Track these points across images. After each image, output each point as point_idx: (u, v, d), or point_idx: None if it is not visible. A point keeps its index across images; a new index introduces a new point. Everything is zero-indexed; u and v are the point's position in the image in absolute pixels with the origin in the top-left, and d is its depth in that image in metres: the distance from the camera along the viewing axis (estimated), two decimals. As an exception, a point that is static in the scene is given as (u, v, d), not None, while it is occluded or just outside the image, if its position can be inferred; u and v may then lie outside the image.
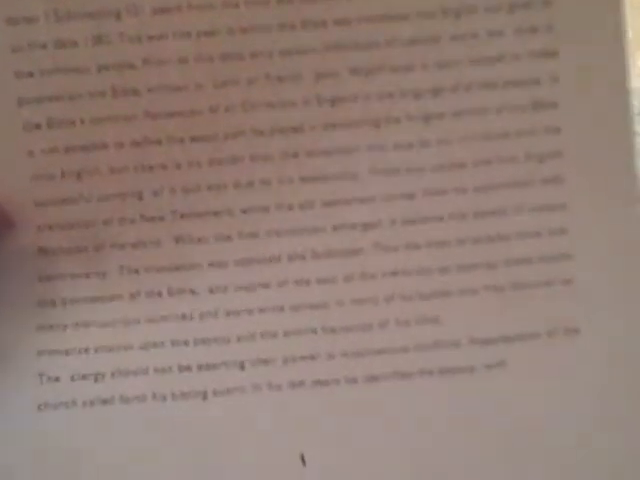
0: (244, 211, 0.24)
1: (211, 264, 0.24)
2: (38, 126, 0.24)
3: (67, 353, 0.24)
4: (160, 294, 0.24)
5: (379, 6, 0.24)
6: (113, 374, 0.24)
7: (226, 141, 0.24)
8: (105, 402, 0.24)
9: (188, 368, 0.24)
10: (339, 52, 0.24)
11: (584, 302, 0.24)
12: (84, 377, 0.23)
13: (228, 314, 0.24)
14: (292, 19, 0.24)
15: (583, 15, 0.24)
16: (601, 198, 0.24)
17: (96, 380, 0.23)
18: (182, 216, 0.24)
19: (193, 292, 0.24)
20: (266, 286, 0.24)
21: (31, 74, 0.23)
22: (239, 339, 0.24)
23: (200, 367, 0.24)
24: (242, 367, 0.24)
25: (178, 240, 0.24)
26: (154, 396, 0.24)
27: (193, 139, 0.24)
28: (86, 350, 0.24)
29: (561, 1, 0.24)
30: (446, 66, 0.24)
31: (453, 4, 0.24)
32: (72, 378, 0.24)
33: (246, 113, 0.24)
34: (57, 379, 0.24)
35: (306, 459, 0.23)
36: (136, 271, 0.24)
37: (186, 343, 0.24)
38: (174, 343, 0.24)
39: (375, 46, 0.24)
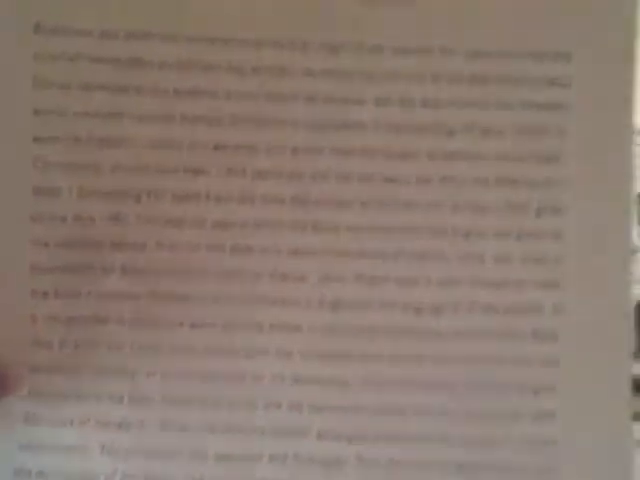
0: (231, 404, 0.24)
1: (191, 454, 0.24)
2: (45, 294, 0.25)
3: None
4: (135, 478, 0.24)
5: (389, 219, 0.25)
6: None
7: (225, 332, 0.24)
8: None
9: None
10: (346, 258, 0.25)
11: None
12: None
13: None
14: (305, 220, 0.25)
15: (589, 247, 0.25)
16: (590, 437, 0.24)
17: None
18: (171, 401, 0.24)
19: None
20: None
21: (47, 244, 0.25)
22: None
23: None
24: None
25: (162, 425, 0.24)
26: None
27: (192, 326, 0.24)
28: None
29: (570, 234, 0.25)
30: (450, 284, 0.25)
31: (464, 225, 0.25)
32: None
33: (247, 306, 0.25)
34: None
35: None
36: (116, 452, 0.24)
37: None
38: None
39: (382, 256, 0.25)
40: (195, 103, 0.24)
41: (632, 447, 0.24)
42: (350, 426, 0.24)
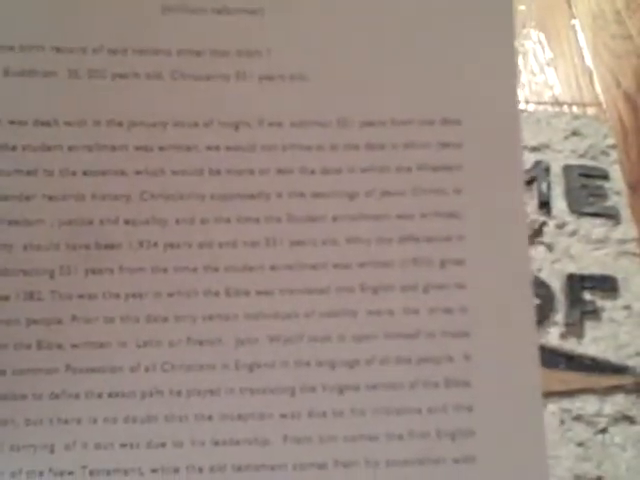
0: (153, 471, 0.26)
1: None
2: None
3: None
4: None
5: (299, 281, 0.27)
6: None
7: (143, 399, 0.26)
8: None
9: None
10: (259, 320, 0.27)
11: None
12: None
13: None
14: (217, 287, 0.27)
15: (497, 299, 0.27)
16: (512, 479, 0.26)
17: None
18: (91, 473, 0.26)
19: None
20: None
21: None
22: None
23: None
24: None
25: None
26: None
27: (110, 395, 0.26)
28: None
29: (475, 285, 0.27)
30: (362, 339, 0.27)
31: (371, 282, 0.27)
32: None
33: (165, 373, 0.26)
34: None
35: None
36: None
37: None
38: None
39: (294, 317, 0.27)
40: (104, 182, 0.26)
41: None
42: (272, 485, 0.26)
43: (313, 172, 0.27)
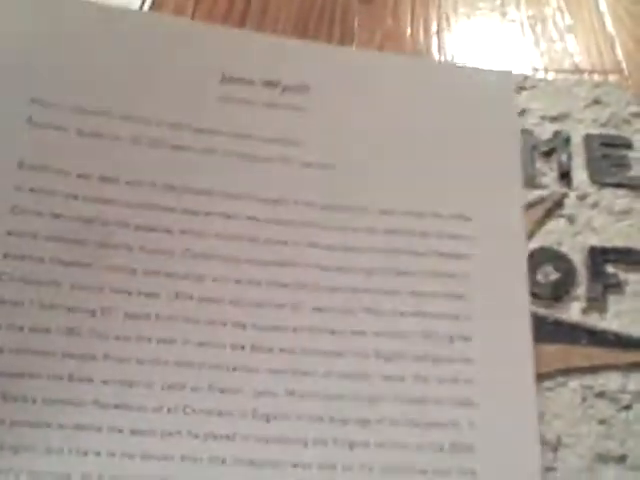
0: None
1: None
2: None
3: None
4: None
5: (319, 343, 0.29)
6: None
7: (162, 439, 0.28)
8: None
9: None
10: (279, 375, 0.29)
11: None
12: None
13: None
14: (243, 342, 0.29)
15: (501, 373, 0.29)
16: None
17: None
18: None
19: None
20: None
21: (1, 350, 0.28)
22: None
23: None
24: None
25: None
26: None
27: (132, 432, 0.28)
28: None
29: (481, 360, 0.29)
30: (374, 401, 0.29)
31: (385, 349, 0.29)
32: None
33: (186, 416, 0.28)
34: None
35: None
36: None
37: None
38: None
39: (312, 375, 0.29)
40: (152, 237, 0.29)
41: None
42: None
43: (336, 249, 0.30)
